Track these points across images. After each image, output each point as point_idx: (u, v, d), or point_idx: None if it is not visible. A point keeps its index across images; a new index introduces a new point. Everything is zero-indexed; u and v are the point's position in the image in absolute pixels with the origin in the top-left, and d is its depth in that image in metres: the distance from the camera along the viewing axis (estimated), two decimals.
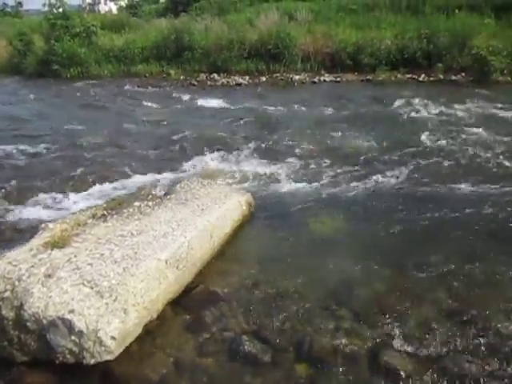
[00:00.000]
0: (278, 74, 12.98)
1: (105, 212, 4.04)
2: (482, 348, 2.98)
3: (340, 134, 7.38)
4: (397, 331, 3.12)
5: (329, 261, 3.96)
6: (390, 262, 3.96)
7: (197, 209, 4.13)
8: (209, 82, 12.91)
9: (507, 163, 5.92)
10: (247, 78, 12.94)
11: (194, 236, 3.69)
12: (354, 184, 5.45)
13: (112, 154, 6.85)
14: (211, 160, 6.35)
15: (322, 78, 12.38)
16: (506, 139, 6.80)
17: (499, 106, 8.45)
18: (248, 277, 3.73)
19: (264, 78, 12.87)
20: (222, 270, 3.85)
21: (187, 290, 3.49)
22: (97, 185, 5.54)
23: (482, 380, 2.75)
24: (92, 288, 2.86)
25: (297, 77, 12.62)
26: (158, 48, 14.44)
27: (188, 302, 3.41)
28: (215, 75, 13.31)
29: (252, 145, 6.94)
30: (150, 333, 3.09)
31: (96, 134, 7.82)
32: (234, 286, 3.63)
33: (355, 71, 12.47)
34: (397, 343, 3.02)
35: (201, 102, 10.26)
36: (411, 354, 2.93)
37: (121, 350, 2.77)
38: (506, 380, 2.75)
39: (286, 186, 5.47)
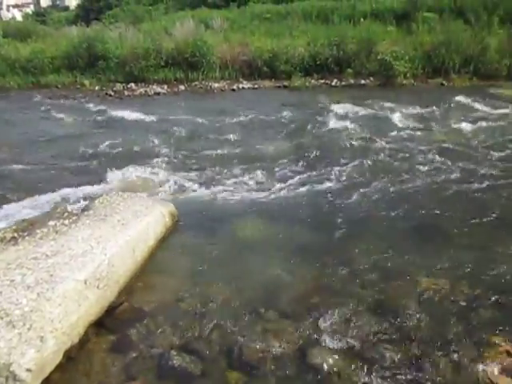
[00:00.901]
0: (196, 83, 12.94)
1: (15, 234, 3.77)
2: (401, 336, 3.17)
3: (259, 140, 7.52)
4: (322, 327, 3.23)
5: (254, 265, 4.02)
6: (312, 260, 4.10)
7: (117, 224, 3.99)
8: (126, 92, 12.55)
9: (414, 159, 6.37)
10: (166, 87, 12.76)
11: (114, 252, 3.57)
12: (274, 188, 5.57)
13: (21, 171, 6.41)
14: (131, 172, 6.16)
15: (240, 86, 12.55)
16: (410, 137, 7.32)
17: (403, 106, 9.10)
18: (174, 289, 3.67)
19: (183, 87, 12.78)
20: (147, 285, 3.76)
21: (111, 310, 3.36)
22: (4, 205, 5.15)
23: (402, 366, 2.93)
24: (2, 318, 2.65)
25: (216, 85, 12.68)
26: (69, 57, 13.76)
27: (112, 322, 3.28)
28: (132, 85, 12.97)
29: (173, 154, 6.85)
30: (72, 359, 2.92)
31: (1, 151, 7.28)
32: (160, 300, 3.55)
33: (272, 78, 12.79)
34: (323, 339, 3.13)
35: (118, 112, 9.93)
36: (337, 349, 3.05)
37: (39, 382, 2.59)
38: (425, 364, 2.94)
39: (210, 194, 5.46)
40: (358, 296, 3.61)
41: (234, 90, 12.36)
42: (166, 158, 6.67)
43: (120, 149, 7.21)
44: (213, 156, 6.79)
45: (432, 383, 2.80)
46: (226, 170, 6.18)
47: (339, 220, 4.78)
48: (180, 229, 4.66)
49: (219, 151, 6.99)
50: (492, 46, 11.75)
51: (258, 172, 6.06)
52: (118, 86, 12.90)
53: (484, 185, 5.47)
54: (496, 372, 2.86)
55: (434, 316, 3.35)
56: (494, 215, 4.73)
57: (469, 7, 13.59)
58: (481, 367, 2.89)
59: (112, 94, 12.30)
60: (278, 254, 4.18)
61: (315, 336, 3.15)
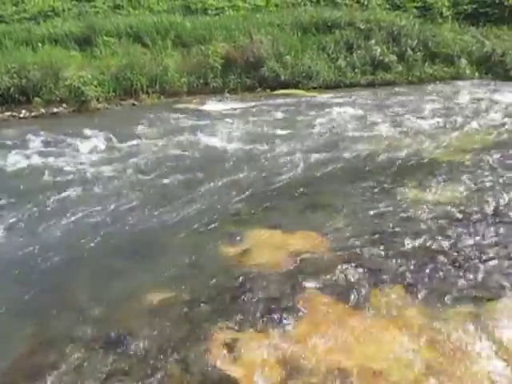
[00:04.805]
0: None
1: None
2: (133, 361, 3.18)
3: None
4: None
5: None
6: (32, 315, 3.75)
7: None
8: None
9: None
10: None
11: None
12: None
13: None
14: None
15: None
16: (98, 161, 7.32)
17: (95, 130, 8.85)
18: None
19: None
20: None
21: None
22: None
23: None
24: None
25: None
26: None
27: None
28: None
29: None
30: None
31: None
32: None
33: None
34: None
35: None
36: None
37: None
38: (159, 378, 3.03)
39: None
40: (86, 337, 3.45)
41: None
42: None
43: None
44: None
45: None
46: None
47: (49, 264, 4.47)
48: None
49: None
50: (171, 67, 13.04)
51: None
52: None
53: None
54: (222, 359, 3.20)
55: (162, 327, 3.51)
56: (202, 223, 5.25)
57: (144, 32, 14.63)
58: (209, 359, 3.18)
59: None
60: None
61: None
